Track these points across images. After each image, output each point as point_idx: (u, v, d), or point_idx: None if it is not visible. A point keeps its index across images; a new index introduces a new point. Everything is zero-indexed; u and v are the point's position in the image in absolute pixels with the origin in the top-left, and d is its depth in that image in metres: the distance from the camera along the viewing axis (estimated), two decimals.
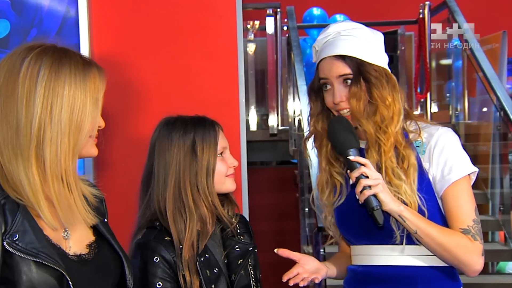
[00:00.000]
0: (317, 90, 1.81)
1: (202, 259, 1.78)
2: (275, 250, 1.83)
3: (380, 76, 1.72)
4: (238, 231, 1.92)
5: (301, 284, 1.84)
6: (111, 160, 2.50)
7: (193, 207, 1.80)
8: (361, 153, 1.75)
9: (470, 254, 1.67)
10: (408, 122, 1.78)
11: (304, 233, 4.51)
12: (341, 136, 1.69)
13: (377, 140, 1.72)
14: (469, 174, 1.72)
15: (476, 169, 1.73)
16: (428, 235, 1.65)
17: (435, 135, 1.73)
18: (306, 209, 4.47)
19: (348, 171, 1.67)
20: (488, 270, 4.95)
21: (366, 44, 1.74)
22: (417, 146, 1.74)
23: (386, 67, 1.76)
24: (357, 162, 1.64)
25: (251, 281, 1.88)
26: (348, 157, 1.66)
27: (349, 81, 1.72)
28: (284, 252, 1.82)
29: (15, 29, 2.41)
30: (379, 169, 1.71)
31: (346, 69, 1.72)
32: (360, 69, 1.71)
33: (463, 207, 1.69)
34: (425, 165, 1.72)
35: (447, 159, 1.70)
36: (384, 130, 1.71)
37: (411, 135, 1.74)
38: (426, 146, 1.73)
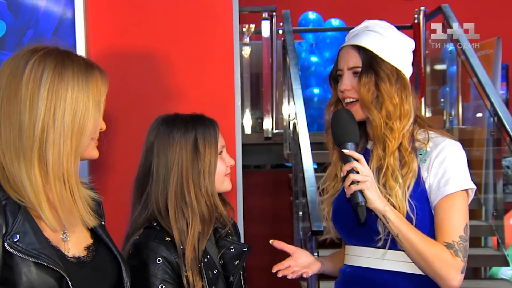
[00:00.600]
0: (335, 78, 1.84)
1: (206, 260, 1.76)
2: (270, 241, 1.84)
3: (391, 73, 1.73)
4: (229, 231, 1.91)
5: (290, 277, 1.85)
6: (104, 162, 2.49)
7: (196, 207, 1.77)
8: (367, 152, 1.75)
9: (448, 269, 1.63)
10: (420, 130, 1.77)
11: (298, 237, 4.51)
12: (341, 128, 1.70)
13: (383, 137, 1.72)
14: (466, 191, 1.70)
15: (474, 187, 1.70)
16: (408, 241, 1.64)
17: (439, 146, 1.72)
18: (300, 213, 4.47)
19: (343, 164, 1.68)
20: (481, 275, 4.96)
21: (387, 42, 1.75)
22: (420, 154, 1.73)
23: (402, 69, 1.76)
24: (351, 157, 1.65)
25: (241, 281, 1.88)
26: (343, 150, 1.67)
27: (358, 74, 1.74)
28: (279, 244, 1.85)
29: (11, 30, 2.40)
30: (380, 168, 1.71)
31: (357, 61, 1.75)
32: (371, 62, 1.73)
33: (452, 221, 1.66)
34: (423, 173, 1.71)
35: (446, 170, 1.68)
36: (390, 127, 1.71)
37: (417, 144, 1.74)
38: (428, 155, 1.72)
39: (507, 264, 4.28)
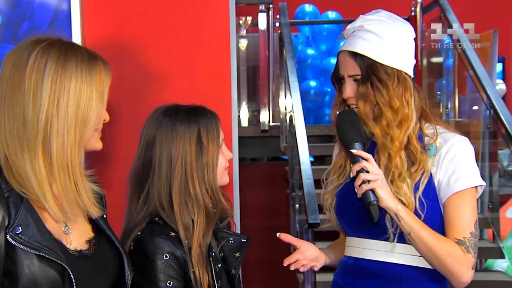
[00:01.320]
0: (338, 80, 1.83)
1: (214, 254, 1.74)
2: (277, 235, 1.84)
3: (391, 78, 1.70)
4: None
5: (301, 270, 1.86)
6: (98, 155, 2.48)
7: (201, 202, 1.72)
8: (373, 149, 1.75)
9: (460, 265, 1.65)
10: (426, 125, 1.77)
11: (295, 229, 4.52)
12: (347, 129, 1.70)
13: (384, 145, 1.72)
14: (476, 188, 1.70)
15: (484, 183, 1.71)
16: (420, 238, 1.64)
17: (449, 142, 1.72)
18: (297, 206, 4.48)
19: (351, 164, 1.67)
20: (476, 267, 4.98)
21: (385, 44, 1.71)
22: (428, 150, 1.73)
23: (403, 68, 1.73)
24: (360, 156, 1.65)
25: (239, 275, 1.87)
26: (351, 151, 1.66)
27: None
28: (286, 237, 1.85)
29: (6, 21, 2.39)
30: (386, 168, 1.71)
31: (355, 69, 1.73)
32: (368, 70, 1.71)
33: (463, 218, 1.67)
34: (432, 169, 1.71)
35: (456, 167, 1.69)
36: (391, 136, 1.71)
37: (426, 139, 1.74)
38: (437, 150, 1.72)
39: (503, 256, 4.29)
